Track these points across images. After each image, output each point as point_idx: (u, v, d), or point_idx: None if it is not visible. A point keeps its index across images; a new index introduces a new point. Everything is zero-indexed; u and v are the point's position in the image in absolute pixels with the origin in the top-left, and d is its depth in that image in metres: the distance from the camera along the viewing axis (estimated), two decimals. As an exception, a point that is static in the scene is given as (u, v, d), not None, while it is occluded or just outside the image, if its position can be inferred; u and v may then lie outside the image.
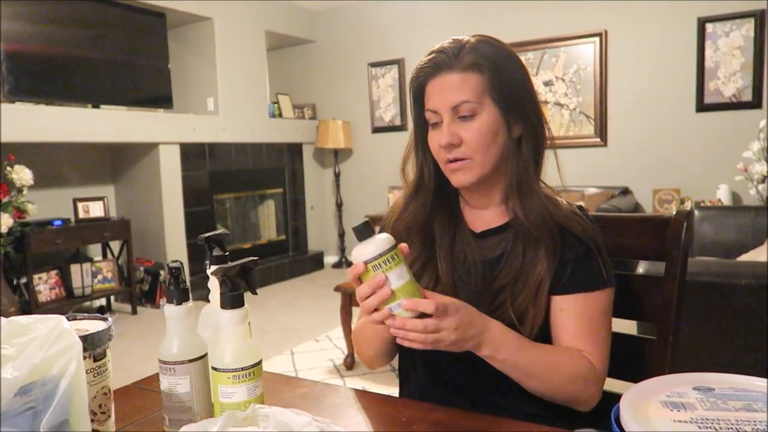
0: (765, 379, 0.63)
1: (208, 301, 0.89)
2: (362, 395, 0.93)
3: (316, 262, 5.91)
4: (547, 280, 0.93)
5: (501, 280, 0.95)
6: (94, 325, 0.80)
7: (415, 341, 0.81)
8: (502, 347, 0.86)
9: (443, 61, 0.93)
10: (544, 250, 0.93)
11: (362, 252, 0.80)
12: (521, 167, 0.95)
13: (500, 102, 0.93)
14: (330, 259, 6.11)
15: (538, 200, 0.95)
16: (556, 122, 4.92)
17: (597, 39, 4.68)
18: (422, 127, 1.00)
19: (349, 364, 3.01)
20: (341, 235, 5.97)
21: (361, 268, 0.79)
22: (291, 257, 5.70)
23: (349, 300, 2.91)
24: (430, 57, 0.95)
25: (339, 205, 5.98)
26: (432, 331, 0.80)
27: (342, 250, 5.97)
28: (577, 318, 0.93)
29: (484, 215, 1.02)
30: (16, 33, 3.67)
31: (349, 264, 4.58)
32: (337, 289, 2.99)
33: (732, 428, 0.54)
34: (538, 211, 0.94)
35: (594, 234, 0.96)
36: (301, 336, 3.67)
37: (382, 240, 0.80)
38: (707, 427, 0.54)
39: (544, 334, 0.94)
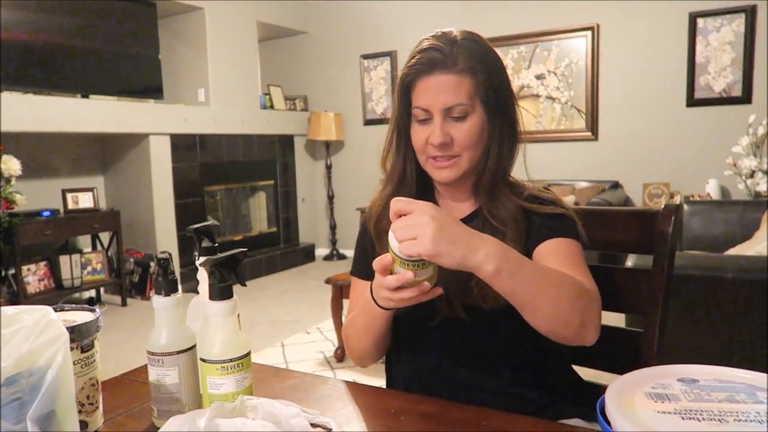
0: (748, 371, 0.64)
1: (198, 292, 0.89)
2: (351, 387, 0.93)
3: (307, 254, 5.90)
4: None
5: None
6: (81, 316, 0.79)
7: (399, 231, 0.75)
8: (509, 258, 0.77)
9: (439, 61, 0.92)
10: (510, 239, 0.95)
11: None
12: (497, 163, 0.98)
13: (488, 104, 0.95)
14: (321, 251, 6.11)
15: (503, 194, 0.98)
16: (548, 116, 4.93)
17: (589, 33, 4.68)
18: (406, 121, 1.00)
19: (340, 356, 3.02)
20: (332, 228, 5.97)
21: (388, 260, 0.79)
22: (282, 249, 5.70)
23: (339, 292, 2.92)
24: (423, 54, 0.94)
25: (330, 198, 5.97)
26: (408, 209, 0.75)
27: (333, 242, 5.96)
28: (558, 253, 0.93)
29: (457, 207, 1.04)
30: (5, 22, 3.62)
31: (341, 256, 4.59)
32: (328, 281, 2.99)
33: (715, 419, 0.55)
34: (503, 204, 0.97)
35: (562, 202, 0.99)
36: (291, 328, 3.67)
37: None
38: (690, 418, 0.55)
39: (512, 313, 0.88)
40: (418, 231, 0.73)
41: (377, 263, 0.80)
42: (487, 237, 0.78)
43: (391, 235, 0.77)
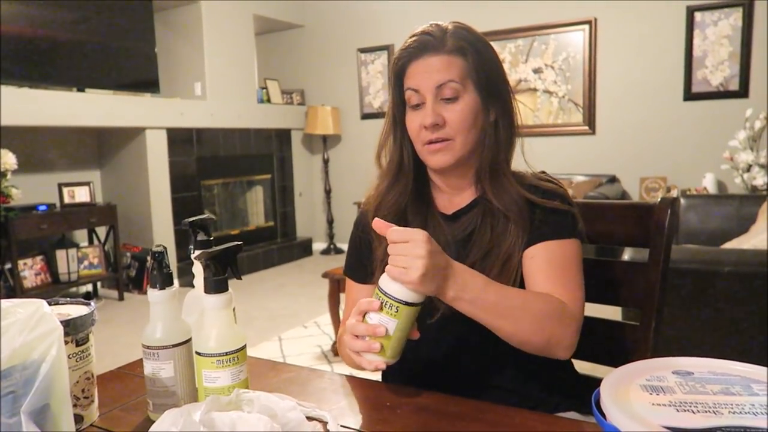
0: (743, 364, 0.64)
1: (194, 286, 0.89)
2: (348, 380, 0.93)
3: (304, 249, 5.90)
4: (517, 254, 0.94)
5: (473, 257, 0.95)
6: (76, 310, 0.79)
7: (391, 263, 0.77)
8: (469, 286, 0.82)
9: (429, 43, 0.94)
10: (514, 226, 0.95)
11: (389, 282, 0.79)
12: (495, 151, 0.97)
13: (480, 86, 0.95)
14: (318, 245, 6.11)
15: (508, 181, 0.97)
16: (545, 110, 4.92)
17: (586, 27, 4.67)
18: (401, 108, 1.00)
19: (337, 350, 3.02)
20: (330, 222, 5.96)
21: (375, 303, 0.79)
22: (279, 243, 5.69)
23: (337, 286, 2.91)
24: (414, 38, 0.96)
25: (328, 192, 5.96)
26: (400, 253, 0.77)
27: (330, 236, 5.96)
28: (547, 262, 0.93)
29: (455, 197, 1.03)
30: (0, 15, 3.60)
31: (338, 250, 4.60)
32: (325, 275, 2.98)
33: (710, 411, 0.55)
34: (508, 191, 0.96)
35: (562, 191, 0.99)
36: (289, 322, 3.67)
37: (409, 289, 0.78)
38: (685, 410, 0.55)
39: None
40: (410, 263, 0.76)
41: (358, 307, 0.81)
42: (459, 267, 0.82)
43: (383, 277, 0.79)
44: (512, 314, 0.85)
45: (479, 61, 0.94)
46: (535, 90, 4.94)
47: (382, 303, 0.78)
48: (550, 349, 0.88)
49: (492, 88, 0.96)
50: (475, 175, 1.00)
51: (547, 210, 0.96)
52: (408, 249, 0.77)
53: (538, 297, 0.89)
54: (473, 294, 0.82)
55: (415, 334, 0.82)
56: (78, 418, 0.75)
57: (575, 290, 0.92)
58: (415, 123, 0.96)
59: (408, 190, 1.02)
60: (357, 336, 0.80)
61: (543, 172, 1.03)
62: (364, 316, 0.80)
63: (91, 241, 4.38)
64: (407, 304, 0.78)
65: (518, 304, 0.86)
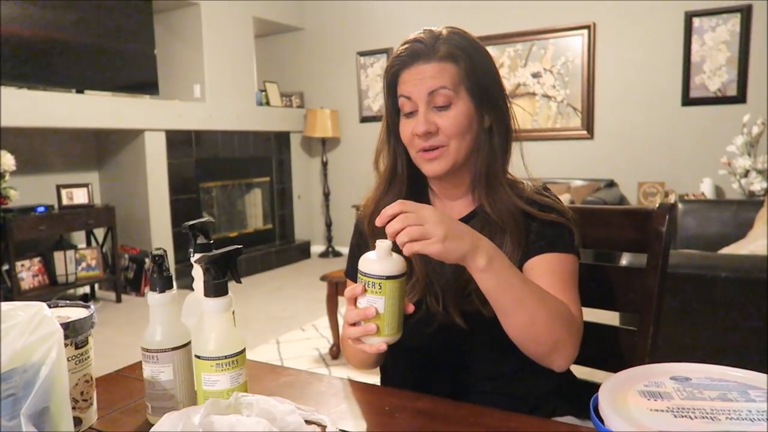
0: (740, 370, 0.64)
1: (193, 289, 0.89)
2: (346, 384, 0.93)
3: (302, 252, 5.90)
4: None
5: None
6: (76, 313, 0.79)
7: (405, 235, 0.76)
8: (497, 258, 0.81)
9: (420, 51, 0.94)
10: (510, 238, 0.94)
11: (367, 262, 0.79)
12: (490, 158, 0.97)
13: (474, 93, 0.94)
14: (317, 248, 6.10)
15: (504, 191, 0.96)
16: (544, 114, 4.93)
17: (585, 31, 4.69)
18: (395, 117, 1.00)
19: (335, 353, 3.02)
20: (328, 225, 5.96)
21: (359, 287, 0.80)
22: (277, 246, 5.69)
23: (335, 289, 2.92)
24: (406, 46, 0.95)
25: (326, 195, 5.96)
26: (413, 222, 0.76)
27: (329, 239, 5.96)
28: (549, 272, 0.92)
29: (453, 206, 1.03)
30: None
31: (336, 253, 4.60)
32: (323, 278, 2.99)
33: (707, 417, 0.55)
34: (504, 201, 0.96)
35: (560, 206, 0.98)
36: (287, 325, 3.67)
37: (387, 264, 0.78)
38: (683, 416, 0.55)
39: None
40: (427, 229, 0.76)
41: (347, 292, 0.81)
42: (485, 238, 0.82)
43: (361, 259, 0.79)
44: (532, 302, 0.83)
45: (472, 68, 0.94)
46: (533, 94, 4.95)
47: (365, 284, 0.78)
48: (554, 353, 0.86)
49: (486, 95, 0.96)
50: (471, 183, 1.00)
51: (545, 223, 0.95)
52: (420, 217, 0.77)
53: (554, 297, 0.87)
54: (500, 266, 0.81)
55: (410, 308, 0.81)
56: (77, 421, 0.75)
57: (576, 302, 0.92)
58: (408, 130, 0.96)
59: (402, 197, 1.01)
60: (354, 324, 0.80)
61: (545, 188, 1.02)
62: (355, 305, 0.81)
63: (89, 243, 4.38)
64: (388, 278, 0.77)
65: (538, 294, 0.85)
